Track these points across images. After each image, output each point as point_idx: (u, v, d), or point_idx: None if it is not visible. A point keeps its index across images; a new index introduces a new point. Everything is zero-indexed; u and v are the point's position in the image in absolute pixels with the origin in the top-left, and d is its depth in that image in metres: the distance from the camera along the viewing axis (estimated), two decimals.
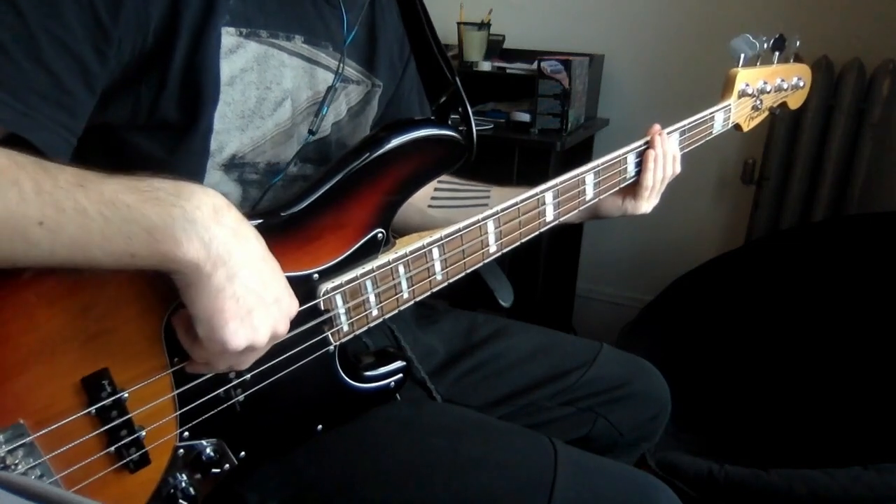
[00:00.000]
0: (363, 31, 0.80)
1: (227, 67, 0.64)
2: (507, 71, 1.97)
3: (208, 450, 0.63)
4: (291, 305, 0.59)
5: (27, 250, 0.48)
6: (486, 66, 2.00)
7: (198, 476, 0.63)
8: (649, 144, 0.91)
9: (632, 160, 0.91)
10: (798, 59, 1.17)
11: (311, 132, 0.74)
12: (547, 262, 1.96)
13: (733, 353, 1.74)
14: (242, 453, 0.66)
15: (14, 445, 0.51)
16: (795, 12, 1.88)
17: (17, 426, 0.51)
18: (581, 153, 2.13)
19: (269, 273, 0.57)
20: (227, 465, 0.65)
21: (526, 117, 1.82)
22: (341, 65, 0.75)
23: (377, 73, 0.83)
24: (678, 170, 0.95)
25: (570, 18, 2.13)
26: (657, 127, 0.93)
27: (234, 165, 0.69)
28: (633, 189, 0.94)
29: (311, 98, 0.74)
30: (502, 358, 0.95)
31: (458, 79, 0.74)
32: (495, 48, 2.05)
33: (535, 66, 1.80)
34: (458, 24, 1.99)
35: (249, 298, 0.54)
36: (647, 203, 0.95)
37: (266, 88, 0.68)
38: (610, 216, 0.96)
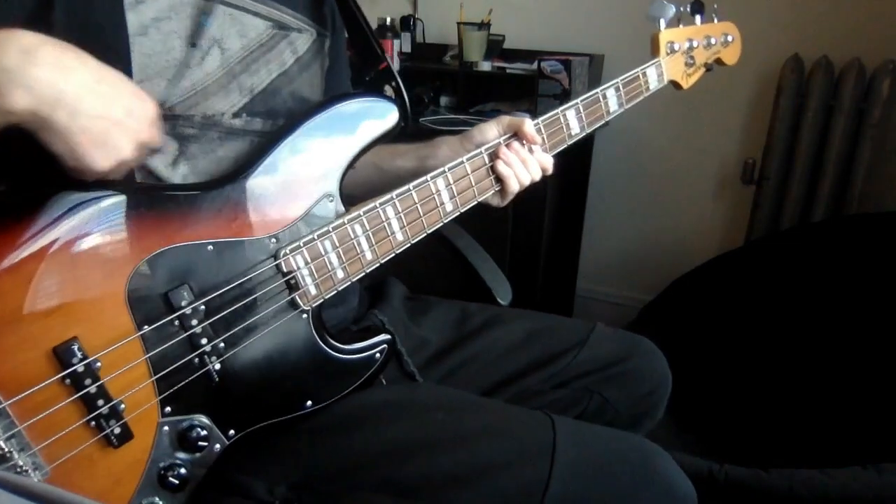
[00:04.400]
0: None
1: (135, 18, 0.63)
2: (507, 71, 1.97)
3: (195, 427, 0.64)
4: (145, 109, 0.59)
5: None
6: (486, 66, 2.00)
7: (187, 456, 0.64)
8: (496, 150, 0.83)
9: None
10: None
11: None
12: (547, 261, 1.96)
13: (733, 352, 1.74)
14: (231, 431, 0.67)
15: None
16: (795, 12, 1.88)
17: None
18: (581, 153, 2.13)
19: (110, 90, 0.57)
20: (217, 445, 0.66)
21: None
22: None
23: (323, 23, 0.83)
24: (536, 177, 0.86)
25: (570, 18, 2.13)
26: (525, 126, 0.84)
27: (163, 118, 0.67)
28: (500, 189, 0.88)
29: (246, 47, 0.73)
30: (494, 347, 0.95)
31: (386, 54, 0.78)
32: (495, 48, 2.05)
33: (535, 66, 1.80)
34: (458, 24, 1.99)
35: (99, 124, 0.55)
36: (504, 200, 0.88)
37: (188, 37, 0.68)
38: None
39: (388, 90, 0.80)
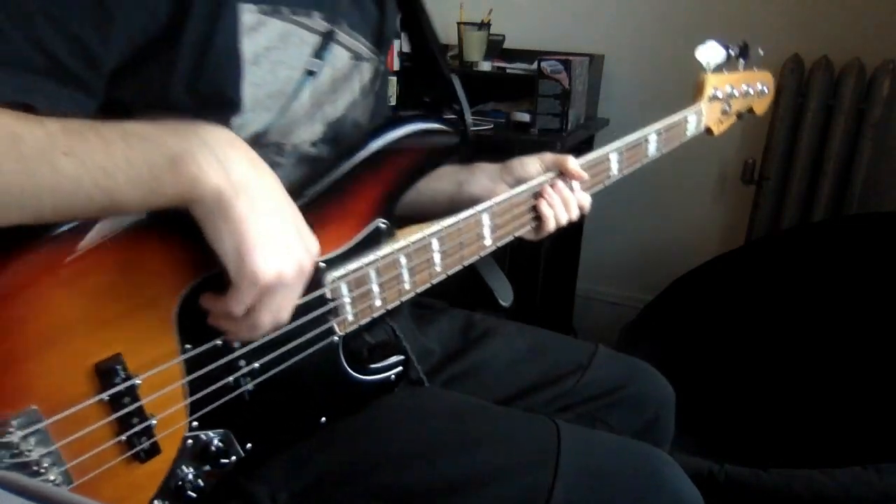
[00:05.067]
0: (375, 8, 0.79)
1: (250, 46, 0.62)
2: (507, 71, 1.97)
3: (216, 440, 0.64)
4: (311, 239, 0.59)
5: (56, 183, 0.48)
6: (486, 66, 2.00)
7: (205, 467, 0.64)
8: (541, 192, 0.84)
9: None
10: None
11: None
12: (547, 262, 1.96)
13: (733, 352, 1.74)
14: (249, 445, 0.67)
15: (28, 431, 0.51)
16: (795, 12, 1.88)
17: (30, 412, 0.51)
18: (581, 153, 2.13)
19: (289, 205, 0.57)
20: (233, 457, 0.66)
21: (526, 117, 1.82)
22: (335, 30, 0.72)
23: (383, 51, 0.83)
24: (574, 216, 0.87)
25: (570, 18, 2.13)
26: (569, 163, 0.85)
27: (258, 145, 0.68)
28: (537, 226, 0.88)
29: (333, 78, 0.74)
30: (496, 359, 0.95)
31: (454, 75, 0.75)
32: (495, 48, 2.05)
33: (535, 66, 1.80)
34: (458, 24, 1.99)
35: (273, 222, 0.55)
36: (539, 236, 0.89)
37: (292, 67, 0.67)
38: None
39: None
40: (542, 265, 1.92)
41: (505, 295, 0.96)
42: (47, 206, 0.49)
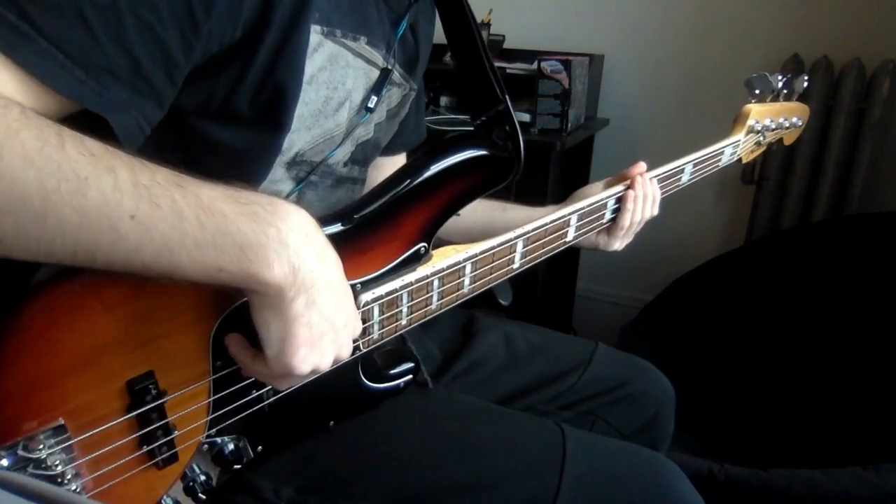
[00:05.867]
0: (410, 36, 0.79)
1: (310, 66, 0.62)
2: (507, 71, 1.97)
3: (230, 445, 0.64)
4: (357, 328, 0.59)
5: (113, 244, 0.45)
6: None
7: (217, 468, 0.65)
8: (630, 185, 0.90)
9: (611, 204, 0.91)
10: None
11: (368, 109, 0.72)
12: (547, 261, 1.96)
13: (733, 352, 1.74)
14: (260, 447, 0.68)
15: (55, 448, 0.51)
16: (795, 12, 1.88)
17: (58, 427, 0.51)
18: (581, 153, 2.13)
19: (343, 297, 0.56)
20: (244, 459, 0.66)
21: (526, 117, 1.82)
22: (391, 66, 0.74)
23: (414, 77, 0.83)
24: (656, 212, 0.93)
25: (570, 18, 2.13)
26: (641, 166, 0.91)
27: (295, 164, 0.69)
28: (608, 226, 0.93)
29: (365, 99, 0.73)
30: (497, 357, 0.95)
31: (507, 96, 0.73)
32: (495, 48, 2.05)
33: (535, 66, 1.80)
34: None
35: (322, 325, 0.53)
36: (620, 241, 0.95)
37: (333, 88, 0.67)
38: (582, 247, 0.95)
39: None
40: (542, 265, 1.92)
41: (505, 294, 0.96)
42: (99, 262, 0.46)
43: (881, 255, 1.66)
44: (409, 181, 0.66)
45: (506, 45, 2.07)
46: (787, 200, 1.94)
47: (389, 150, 0.89)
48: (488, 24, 1.98)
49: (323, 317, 0.53)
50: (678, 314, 1.84)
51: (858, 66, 1.77)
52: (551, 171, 1.78)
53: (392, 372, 0.77)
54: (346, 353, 0.57)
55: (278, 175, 0.68)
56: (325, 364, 0.55)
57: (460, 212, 0.71)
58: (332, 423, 0.73)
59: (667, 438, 1.01)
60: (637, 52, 2.08)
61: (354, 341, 0.65)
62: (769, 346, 1.73)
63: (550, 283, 2.07)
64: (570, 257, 2.30)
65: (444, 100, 2.11)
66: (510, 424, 0.77)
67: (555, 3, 2.14)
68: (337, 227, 0.62)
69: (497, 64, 1.99)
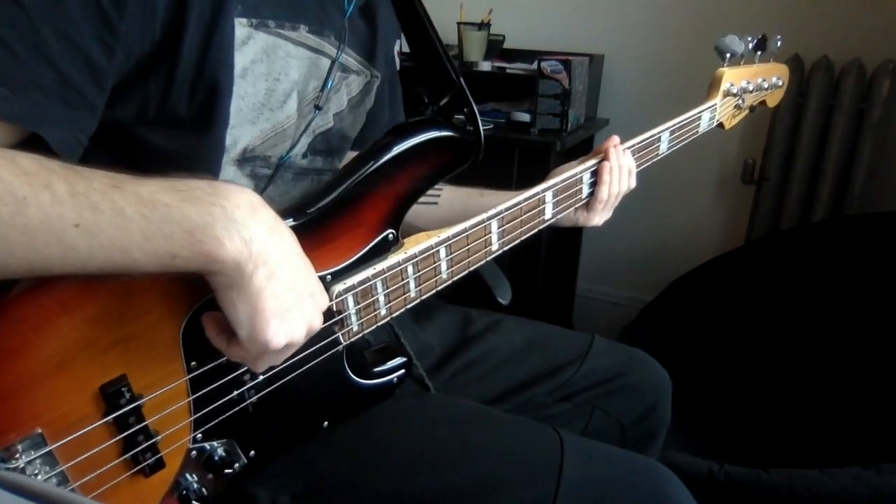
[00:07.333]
0: (363, 22, 0.80)
1: (240, 59, 0.63)
2: (507, 71, 1.97)
3: (219, 450, 0.64)
4: (323, 299, 0.59)
5: (64, 255, 0.46)
6: (486, 66, 2.00)
7: (209, 476, 0.64)
8: (604, 157, 0.90)
9: (587, 178, 0.91)
10: (778, 58, 1.20)
11: (316, 107, 0.73)
12: (547, 261, 1.96)
13: (733, 352, 1.74)
14: (252, 452, 0.67)
15: (33, 456, 0.50)
16: (795, 12, 1.88)
17: (35, 436, 0.51)
18: (581, 153, 2.13)
19: (304, 268, 0.56)
20: (237, 465, 0.66)
21: (526, 117, 1.82)
22: (339, 52, 0.75)
23: (376, 65, 0.83)
24: (633, 184, 0.93)
25: (570, 18, 2.13)
26: (614, 139, 0.91)
27: (245, 160, 0.69)
28: (587, 202, 0.93)
29: (318, 88, 0.74)
30: (496, 353, 0.95)
31: (462, 79, 0.74)
32: (495, 48, 2.05)
33: (535, 66, 1.80)
34: (458, 24, 1.99)
35: (288, 296, 0.54)
36: (599, 216, 0.94)
37: (275, 80, 0.67)
38: (562, 226, 0.95)
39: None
40: (542, 265, 1.92)
41: (504, 293, 0.96)
42: (56, 271, 0.47)
43: (881, 255, 1.66)
44: (366, 167, 0.66)
45: (506, 45, 2.07)
46: (787, 200, 1.94)
47: (363, 143, 0.88)
48: (488, 25, 1.98)
49: (286, 287, 0.54)
50: (678, 314, 1.84)
51: (858, 66, 1.77)
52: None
53: (382, 368, 0.76)
54: (317, 323, 0.58)
55: (230, 174, 0.68)
56: (299, 336, 0.56)
57: (437, 200, 0.71)
58: (325, 423, 0.72)
59: (664, 426, 1.01)
60: (637, 52, 2.08)
61: (332, 333, 0.65)
62: (769, 347, 1.73)
63: (550, 283, 2.07)
64: (570, 257, 2.30)
65: None
66: (509, 430, 0.76)
67: (555, 3, 2.14)
68: (289, 223, 0.61)
69: (497, 64, 2.01)
